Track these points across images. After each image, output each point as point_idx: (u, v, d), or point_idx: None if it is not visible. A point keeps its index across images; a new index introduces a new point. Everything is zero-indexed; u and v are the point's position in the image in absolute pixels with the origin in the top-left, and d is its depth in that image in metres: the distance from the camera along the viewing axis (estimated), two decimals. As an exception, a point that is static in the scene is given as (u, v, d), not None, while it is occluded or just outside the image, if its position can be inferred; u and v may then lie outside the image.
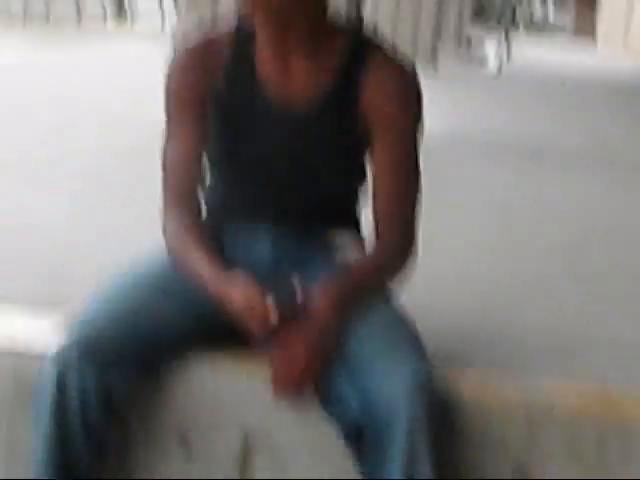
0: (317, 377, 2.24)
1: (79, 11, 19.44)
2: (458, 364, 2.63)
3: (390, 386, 2.16)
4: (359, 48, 2.48)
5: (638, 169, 7.66)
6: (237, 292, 2.26)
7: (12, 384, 2.46)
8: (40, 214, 4.12)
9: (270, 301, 2.21)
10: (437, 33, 12.25)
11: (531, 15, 38.58)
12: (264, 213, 2.58)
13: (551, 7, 40.30)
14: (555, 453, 2.40)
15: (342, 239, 2.63)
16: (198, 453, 2.44)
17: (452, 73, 13.86)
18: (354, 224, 2.70)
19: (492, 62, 15.93)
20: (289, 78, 2.47)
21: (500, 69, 15.40)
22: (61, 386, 2.20)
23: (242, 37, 2.50)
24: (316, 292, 2.29)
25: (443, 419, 2.28)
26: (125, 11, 22.36)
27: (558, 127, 9.93)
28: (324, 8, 2.44)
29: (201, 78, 2.49)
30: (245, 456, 2.44)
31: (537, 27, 36.03)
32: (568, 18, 37.66)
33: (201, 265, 2.37)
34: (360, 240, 2.66)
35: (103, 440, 2.28)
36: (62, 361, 2.21)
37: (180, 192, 2.54)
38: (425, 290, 3.08)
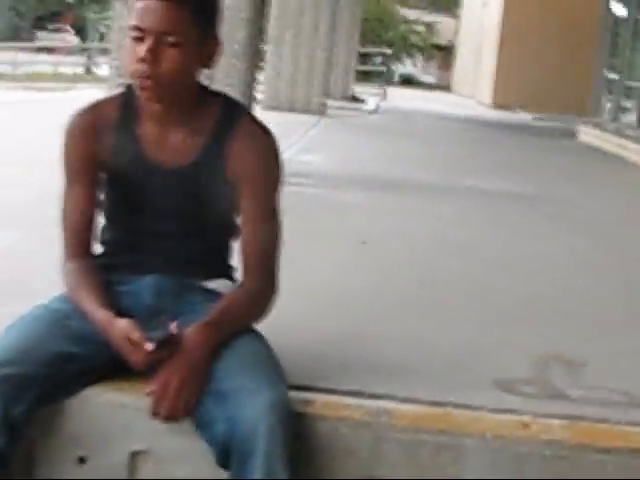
0: (190, 404, 2.58)
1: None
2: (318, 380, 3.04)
3: (250, 409, 2.49)
4: (228, 113, 2.87)
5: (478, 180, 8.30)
6: (117, 328, 2.60)
7: None
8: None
9: (143, 334, 2.54)
10: (326, 92, 15.59)
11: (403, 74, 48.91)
12: (148, 264, 2.92)
13: (419, 66, 54.03)
14: (398, 462, 2.79)
15: (220, 285, 2.99)
16: (93, 468, 2.76)
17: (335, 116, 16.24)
18: (229, 272, 3.07)
19: (370, 105, 21.81)
20: (167, 141, 2.85)
21: (377, 109, 20.71)
22: None
23: (127, 102, 2.86)
24: (189, 331, 2.63)
25: (298, 436, 2.64)
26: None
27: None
28: (194, 83, 2.83)
29: (89, 143, 2.86)
30: (132, 468, 2.77)
31: (407, 81, 46.38)
32: (431, 76, 52.04)
33: (89, 305, 2.73)
34: (232, 285, 3.02)
35: (4, 464, 2.51)
36: None
37: (75, 240, 2.90)
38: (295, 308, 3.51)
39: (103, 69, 27.44)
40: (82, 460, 2.77)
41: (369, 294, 4.41)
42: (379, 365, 3.34)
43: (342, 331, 3.73)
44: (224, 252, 3.09)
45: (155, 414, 2.61)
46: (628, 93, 15.81)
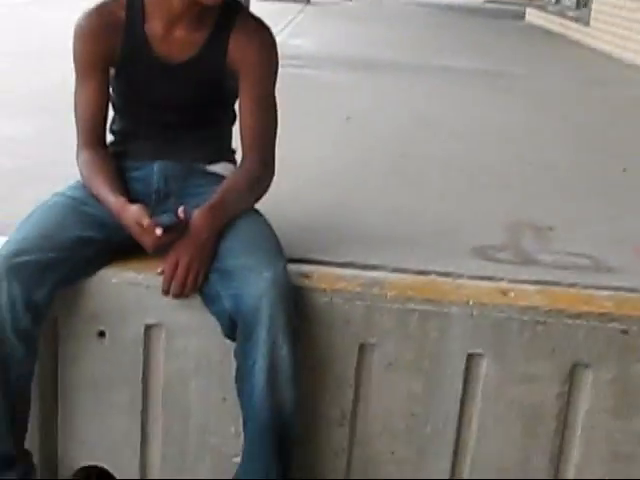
0: (198, 282, 2.37)
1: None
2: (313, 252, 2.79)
3: (253, 286, 2.28)
4: (227, 9, 2.56)
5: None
6: (129, 214, 2.36)
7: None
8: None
9: (153, 219, 2.31)
10: None
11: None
12: (155, 150, 2.67)
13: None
14: (389, 329, 2.55)
15: (222, 169, 2.73)
16: (112, 341, 2.54)
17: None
18: (231, 156, 2.81)
19: None
20: (172, 37, 2.56)
21: None
22: None
23: (131, 3, 2.56)
24: (195, 214, 2.39)
25: (297, 308, 2.41)
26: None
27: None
28: None
29: (98, 42, 2.56)
30: (147, 340, 2.55)
31: None
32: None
33: (104, 192, 2.48)
34: (233, 167, 2.76)
35: (31, 341, 2.33)
36: None
37: (88, 132, 2.62)
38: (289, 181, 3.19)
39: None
40: (102, 334, 2.56)
41: (356, 168, 4.09)
42: (369, 236, 3.08)
43: (333, 204, 3.46)
44: (225, 137, 2.82)
45: (166, 292, 2.40)
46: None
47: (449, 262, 2.86)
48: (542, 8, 16.18)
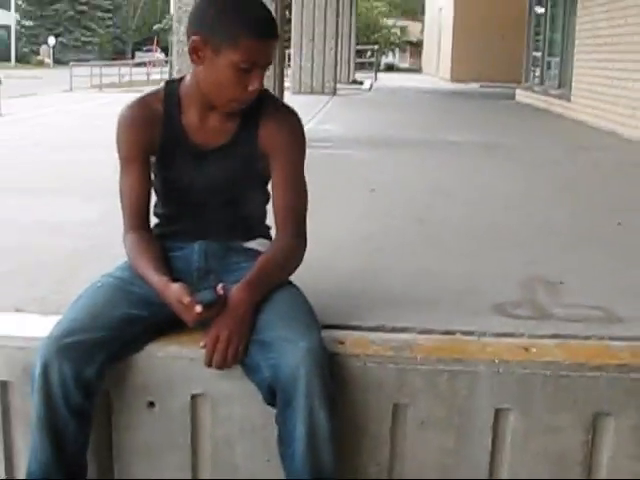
0: (239, 354, 2.08)
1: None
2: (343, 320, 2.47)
3: (290, 356, 1.99)
4: (257, 98, 2.27)
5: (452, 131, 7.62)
6: (171, 292, 2.08)
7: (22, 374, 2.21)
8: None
9: (194, 297, 2.04)
10: (335, 77, 16.44)
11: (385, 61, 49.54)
12: (195, 231, 2.38)
13: (397, 55, 55.14)
14: (421, 389, 2.22)
15: (258, 244, 2.43)
16: (161, 410, 2.23)
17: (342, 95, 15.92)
18: (266, 232, 2.51)
19: (367, 85, 21.04)
20: (206, 126, 2.31)
21: (371, 87, 20.38)
22: (45, 378, 1.98)
23: (169, 96, 2.32)
24: (233, 290, 2.11)
25: (332, 372, 2.10)
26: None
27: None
28: None
29: (140, 131, 2.30)
30: (193, 409, 2.24)
31: (390, 68, 47.40)
32: (409, 61, 52.73)
33: (148, 271, 2.20)
34: (268, 243, 2.46)
35: (84, 415, 2.05)
36: (44, 358, 1.99)
37: (133, 216, 2.34)
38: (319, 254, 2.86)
39: (182, 75, 27.28)
40: (152, 404, 2.24)
41: (380, 235, 3.78)
42: (396, 299, 2.76)
43: (361, 269, 3.14)
44: (260, 215, 2.50)
45: (208, 365, 2.10)
46: (549, 65, 15.01)
47: (472, 320, 2.53)
48: (529, 89, 15.95)
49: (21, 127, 9.41)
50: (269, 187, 2.39)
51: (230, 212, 2.38)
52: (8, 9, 40.75)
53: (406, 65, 54.54)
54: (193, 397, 2.22)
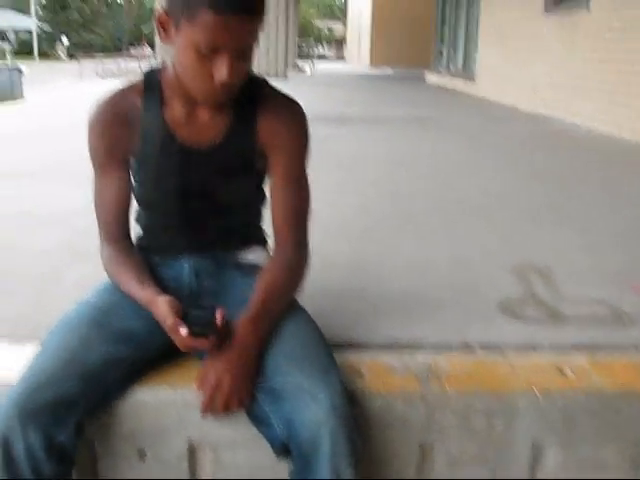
0: (244, 402, 1.25)
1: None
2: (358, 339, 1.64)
3: (309, 412, 1.18)
4: (253, 89, 1.40)
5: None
6: (158, 310, 1.28)
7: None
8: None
9: (180, 318, 1.24)
10: (285, 63, 14.62)
11: (318, 52, 47.07)
12: (184, 243, 1.49)
13: (326, 47, 52.37)
14: (451, 426, 1.42)
15: (255, 256, 1.55)
16: (154, 460, 1.39)
17: (292, 78, 14.29)
18: (262, 238, 1.61)
19: (308, 71, 19.50)
20: (195, 121, 1.40)
21: (312, 73, 18.94)
22: (6, 451, 1.14)
23: (149, 88, 1.40)
24: (236, 325, 1.29)
25: (355, 413, 1.28)
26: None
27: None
28: None
29: (115, 130, 1.39)
30: (191, 457, 1.40)
31: (321, 57, 45.39)
32: (334, 53, 49.81)
33: (132, 287, 1.37)
34: (268, 252, 1.58)
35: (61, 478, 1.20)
36: (4, 426, 1.14)
37: (111, 227, 1.45)
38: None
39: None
40: (142, 453, 1.39)
41: (360, 213, 2.91)
42: (395, 300, 1.91)
43: (349, 260, 2.28)
44: (256, 220, 1.60)
45: (205, 412, 1.26)
46: (454, 51, 14.04)
47: (485, 327, 1.74)
48: (438, 72, 15.02)
49: (42, 108, 8.21)
50: (265, 187, 1.52)
51: (223, 220, 1.50)
52: (30, 15, 41.89)
53: (332, 55, 54.35)
54: (191, 444, 1.39)
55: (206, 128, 1.40)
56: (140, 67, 25.04)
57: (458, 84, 12.42)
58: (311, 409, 1.19)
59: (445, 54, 14.61)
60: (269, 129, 1.41)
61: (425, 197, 3.26)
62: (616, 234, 2.72)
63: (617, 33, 6.10)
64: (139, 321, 1.34)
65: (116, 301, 1.38)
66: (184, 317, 1.24)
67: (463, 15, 12.80)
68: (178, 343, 1.25)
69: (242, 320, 1.29)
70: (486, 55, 10.59)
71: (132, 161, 1.42)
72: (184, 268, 1.48)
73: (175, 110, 1.39)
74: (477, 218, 2.90)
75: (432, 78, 15.27)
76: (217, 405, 1.24)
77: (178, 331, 1.22)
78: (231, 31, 1.20)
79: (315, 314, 1.43)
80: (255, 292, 1.36)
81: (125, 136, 1.39)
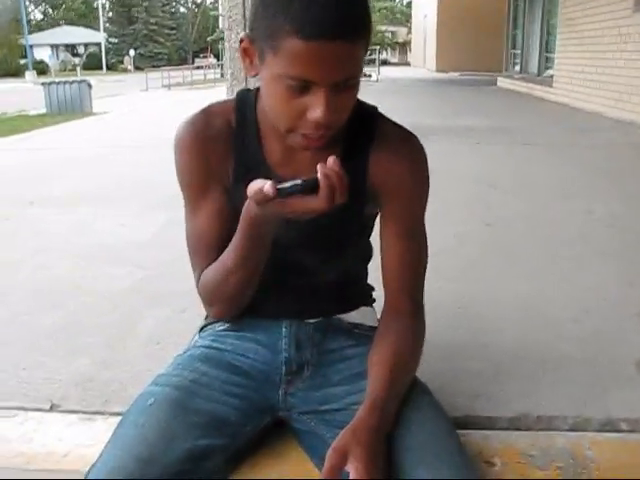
0: None
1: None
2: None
3: None
4: (363, 120, 1.17)
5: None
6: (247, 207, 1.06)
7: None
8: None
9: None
10: None
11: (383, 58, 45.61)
12: (282, 304, 1.27)
13: (390, 53, 53.16)
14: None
15: (362, 317, 1.33)
16: None
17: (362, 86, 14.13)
18: (368, 295, 1.39)
19: (374, 77, 18.96)
20: (296, 158, 1.16)
21: (378, 79, 18.59)
22: None
23: (243, 110, 1.18)
24: (359, 414, 1.05)
25: None
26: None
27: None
28: None
29: (209, 150, 1.16)
30: None
31: (385, 62, 43.90)
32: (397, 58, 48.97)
33: (224, 259, 1.16)
34: (375, 312, 1.35)
35: None
36: None
37: (207, 258, 1.21)
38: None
39: (233, 75, 28.39)
40: None
41: (452, 244, 2.67)
42: (521, 367, 1.65)
43: (449, 312, 2.05)
44: (362, 276, 1.38)
45: None
46: (527, 57, 13.53)
47: (627, 397, 1.47)
48: (510, 77, 14.55)
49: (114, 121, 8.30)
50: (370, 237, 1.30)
51: (326, 277, 1.27)
52: (98, 30, 45.84)
53: (396, 60, 54.46)
54: None
55: (309, 166, 1.12)
56: (205, 76, 25.68)
57: (534, 89, 11.96)
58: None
59: (519, 57, 14.14)
60: (384, 169, 1.17)
61: (522, 227, 2.98)
62: None
63: None
64: (231, 401, 1.15)
65: (201, 378, 1.19)
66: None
67: (538, 15, 12.34)
68: (284, 211, 0.99)
69: (364, 407, 1.07)
70: (565, 58, 10.14)
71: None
72: (282, 335, 1.28)
73: (273, 141, 1.16)
74: (586, 252, 2.61)
75: (504, 83, 14.80)
76: None
77: (262, 190, 0.94)
78: (328, 61, 0.96)
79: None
80: (375, 367, 1.14)
81: (219, 159, 1.17)
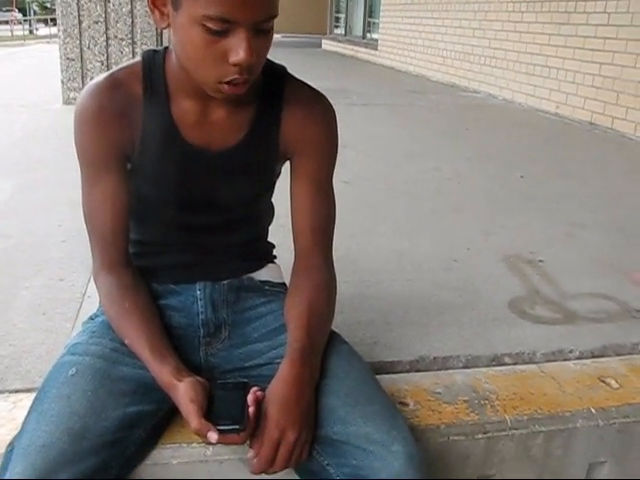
0: (304, 454, 1.05)
1: None
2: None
3: (383, 467, 1.01)
4: (271, 78, 1.19)
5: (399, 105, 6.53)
6: (178, 399, 1.04)
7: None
8: None
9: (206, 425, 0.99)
10: None
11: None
12: (193, 266, 1.27)
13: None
14: (511, 456, 1.32)
15: (269, 274, 1.35)
16: None
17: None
18: (271, 252, 1.42)
19: None
20: (208, 119, 1.16)
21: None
22: None
23: (150, 76, 1.15)
24: (284, 364, 1.10)
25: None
26: None
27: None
28: None
29: (115, 124, 1.13)
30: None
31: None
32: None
33: (138, 345, 1.12)
34: (278, 267, 1.40)
35: None
36: None
37: (108, 248, 1.20)
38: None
39: (41, 31, 25.46)
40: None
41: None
42: (400, 305, 1.78)
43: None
44: (266, 235, 1.40)
45: (263, 469, 1.03)
46: (351, 24, 13.88)
47: (506, 334, 1.64)
48: (335, 39, 14.87)
49: None
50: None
51: (237, 235, 1.29)
52: None
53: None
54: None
55: (222, 127, 1.17)
56: (12, 32, 23.53)
57: (359, 52, 12.35)
58: (386, 463, 1.03)
59: (342, 21, 14.49)
60: (295, 128, 1.20)
61: (381, 183, 3.13)
62: (597, 221, 2.70)
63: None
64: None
65: (122, 346, 1.15)
66: (209, 404, 1.03)
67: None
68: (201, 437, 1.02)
69: (290, 358, 1.10)
70: (390, 23, 10.56)
71: (128, 166, 1.18)
72: (196, 297, 1.28)
73: (184, 105, 1.15)
74: (441, 205, 2.81)
75: (329, 45, 15.09)
76: (278, 461, 1.04)
77: (205, 435, 0.99)
78: (248, 0, 0.98)
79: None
80: (294, 320, 1.17)
81: (125, 131, 1.14)
